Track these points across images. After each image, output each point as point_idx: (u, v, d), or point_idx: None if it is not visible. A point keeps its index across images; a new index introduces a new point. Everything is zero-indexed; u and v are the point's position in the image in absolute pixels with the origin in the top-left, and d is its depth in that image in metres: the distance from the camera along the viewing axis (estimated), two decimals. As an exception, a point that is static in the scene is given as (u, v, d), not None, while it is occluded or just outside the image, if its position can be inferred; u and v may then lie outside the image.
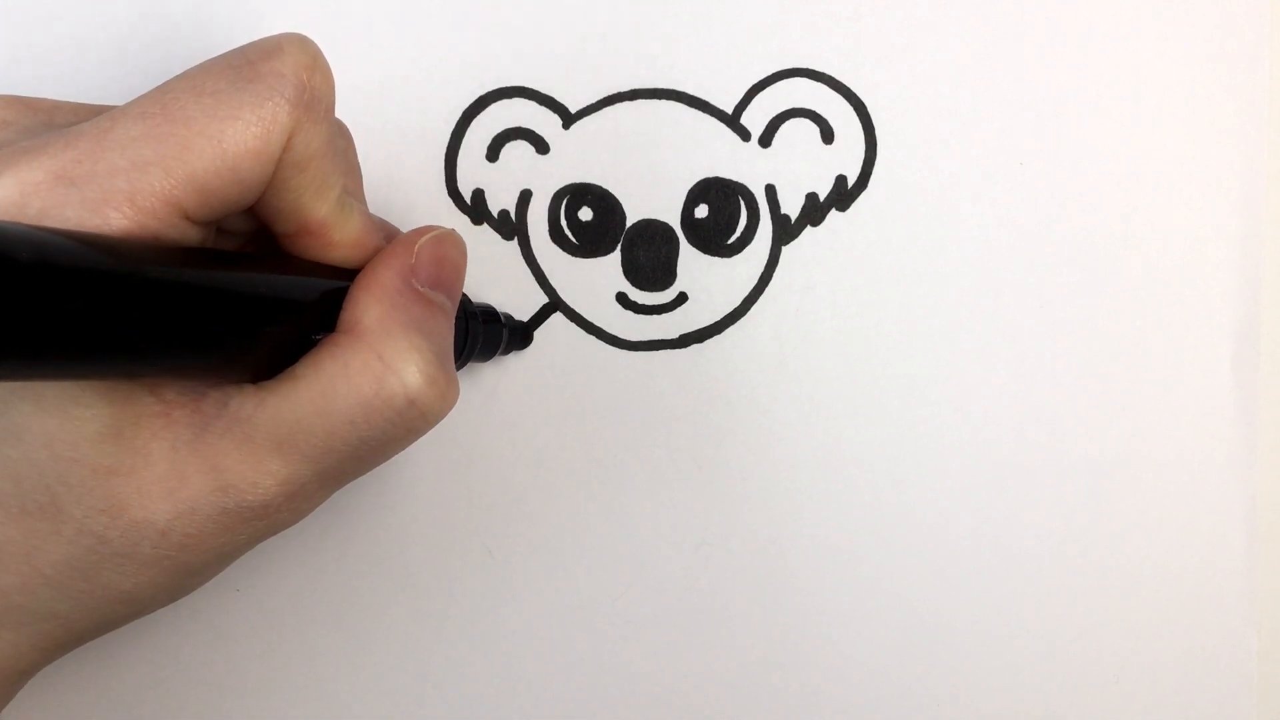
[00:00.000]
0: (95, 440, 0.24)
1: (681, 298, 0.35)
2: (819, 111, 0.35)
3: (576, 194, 0.35)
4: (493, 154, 0.35)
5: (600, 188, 0.35)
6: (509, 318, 0.34)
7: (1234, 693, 0.35)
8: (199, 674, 0.35)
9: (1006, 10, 0.35)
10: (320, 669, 0.35)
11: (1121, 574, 0.35)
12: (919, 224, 0.35)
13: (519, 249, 0.35)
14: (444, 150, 0.35)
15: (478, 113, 0.35)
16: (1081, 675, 0.35)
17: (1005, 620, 0.35)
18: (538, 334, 0.35)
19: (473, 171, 0.35)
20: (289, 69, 0.25)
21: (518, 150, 0.35)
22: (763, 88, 0.35)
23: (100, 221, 0.23)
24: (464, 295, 0.32)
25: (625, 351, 0.35)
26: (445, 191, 0.35)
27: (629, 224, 0.35)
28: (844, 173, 0.35)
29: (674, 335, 0.35)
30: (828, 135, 0.35)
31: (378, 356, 0.26)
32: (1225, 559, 0.35)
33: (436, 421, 0.27)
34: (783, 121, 0.35)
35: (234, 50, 0.26)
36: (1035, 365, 0.35)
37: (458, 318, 0.30)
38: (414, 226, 0.29)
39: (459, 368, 0.32)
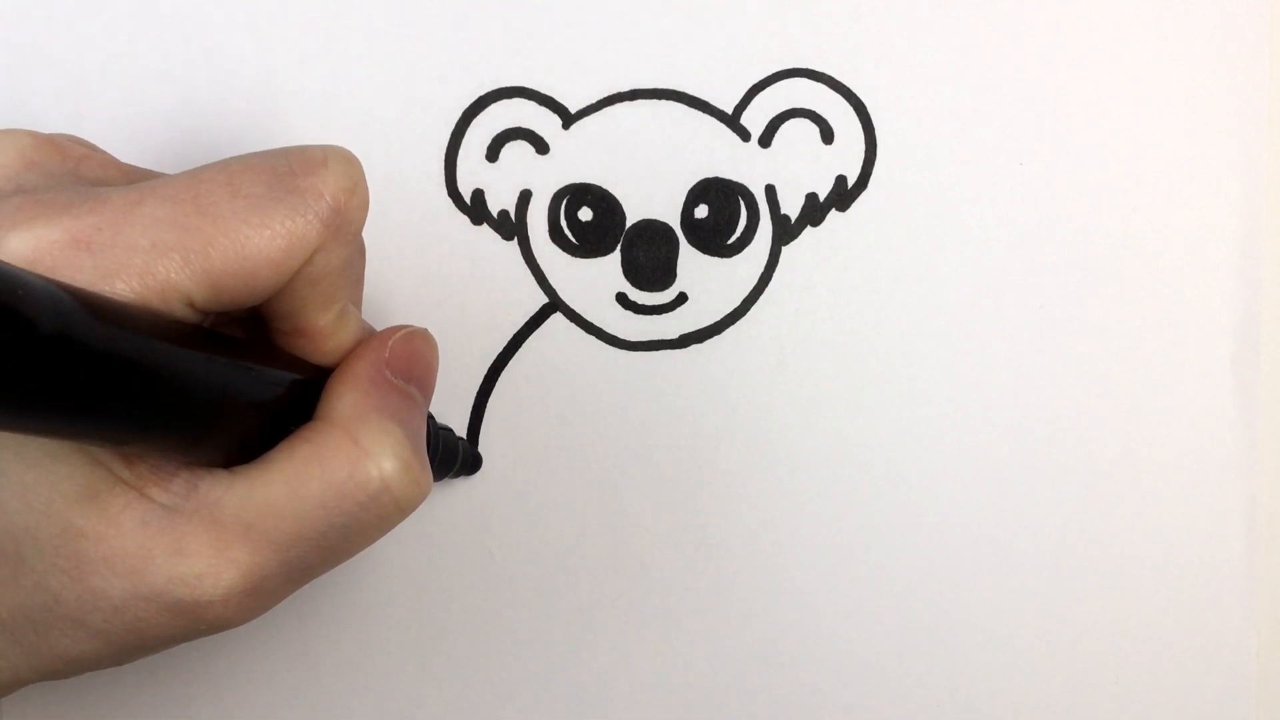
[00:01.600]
0: (70, 499, 0.24)
1: (681, 298, 0.35)
2: (819, 111, 0.35)
3: (576, 194, 0.35)
4: (493, 154, 0.35)
5: (600, 188, 0.35)
6: (462, 440, 0.34)
7: (1234, 693, 0.35)
8: (199, 674, 0.35)
9: (1006, 10, 0.35)
10: (320, 669, 0.35)
11: (1121, 574, 0.35)
12: (919, 224, 0.35)
13: (519, 249, 0.35)
14: (444, 150, 0.35)
15: (478, 113, 0.35)
16: (1081, 675, 0.35)
17: (1005, 620, 0.35)
18: (537, 334, 0.35)
19: (473, 171, 0.35)
20: (328, 189, 0.25)
21: (518, 150, 0.35)
22: (763, 88, 0.35)
23: (106, 289, 0.23)
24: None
25: (625, 351, 0.35)
26: (445, 191, 0.35)
27: (629, 224, 0.35)
28: (844, 173, 0.35)
29: (674, 335, 0.35)
30: (828, 135, 0.35)
31: (353, 441, 0.26)
32: (1225, 559, 0.35)
33: (409, 511, 0.26)
34: (783, 121, 0.35)
35: (278, 152, 0.26)
36: (1035, 365, 0.35)
37: (428, 428, 0.30)
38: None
39: (435, 478, 0.32)
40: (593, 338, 0.35)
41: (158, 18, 0.35)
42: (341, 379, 0.27)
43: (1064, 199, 0.35)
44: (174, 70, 0.35)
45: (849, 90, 0.35)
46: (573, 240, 0.35)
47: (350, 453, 0.25)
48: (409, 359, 0.28)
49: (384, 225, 0.35)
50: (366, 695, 0.35)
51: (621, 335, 0.35)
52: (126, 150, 0.35)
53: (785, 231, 0.35)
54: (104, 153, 0.28)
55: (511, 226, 0.35)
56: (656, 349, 0.35)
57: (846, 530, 0.35)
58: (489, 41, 0.35)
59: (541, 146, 0.35)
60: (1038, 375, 0.35)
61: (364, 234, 0.35)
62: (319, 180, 0.25)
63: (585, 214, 0.35)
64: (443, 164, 0.35)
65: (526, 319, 0.35)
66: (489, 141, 0.35)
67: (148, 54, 0.35)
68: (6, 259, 0.23)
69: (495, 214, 0.35)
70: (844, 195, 0.35)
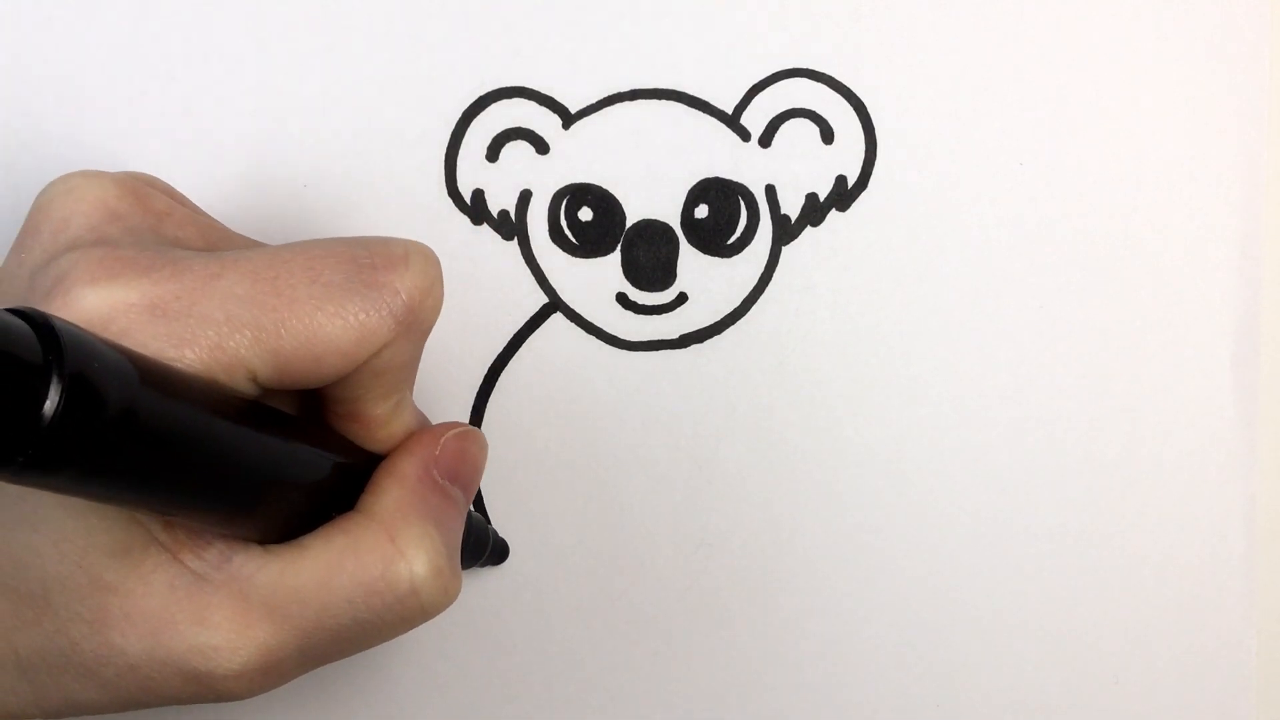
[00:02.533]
0: (104, 552, 0.24)
1: (681, 298, 0.35)
2: (819, 111, 0.35)
3: (576, 194, 0.35)
4: (493, 154, 0.35)
5: (600, 188, 0.35)
6: (491, 529, 0.35)
7: (1234, 693, 0.35)
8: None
9: (1006, 10, 0.35)
10: (320, 668, 0.35)
11: (1121, 574, 0.35)
12: (919, 224, 0.35)
13: (519, 249, 0.35)
14: (444, 150, 0.35)
15: (478, 113, 0.35)
16: (1081, 675, 0.35)
17: (1005, 620, 0.35)
18: (538, 334, 0.35)
19: (473, 171, 0.35)
20: (405, 288, 0.25)
21: (518, 150, 0.35)
22: (763, 88, 0.35)
23: (175, 356, 0.23)
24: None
25: (625, 351, 0.35)
26: (445, 191, 0.35)
27: (629, 224, 0.35)
28: (844, 173, 0.35)
29: (674, 335, 0.35)
30: (828, 135, 0.35)
31: (390, 540, 0.26)
32: (1225, 559, 0.35)
33: (433, 616, 0.27)
34: (783, 121, 0.35)
35: (360, 241, 0.26)
36: (1035, 365, 0.35)
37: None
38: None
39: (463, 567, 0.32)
40: (593, 338, 0.35)
41: (158, 18, 0.35)
42: (389, 473, 0.27)
43: (1064, 199, 0.35)
44: (174, 70, 0.35)
45: (849, 90, 0.35)
46: (573, 240, 0.35)
47: (386, 552, 0.26)
48: (458, 460, 0.29)
49: (383, 225, 0.35)
50: (365, 693, 0.35)
51: (621, 335, 0.35)
52: (127, 150, 0.35)
53: (785, 231, 0.35)
54: (184, 208, 0.28)
55: (511, 226, 0.35)
56: (656, 349, 0.35)
57: (846, 530, 0.35)
58: (489, 41, 0.35)
59: (542, 146, 0.35)
60: (1038, 375, 0.35)
61: (363, 234, 0.35)
62: (397, 277, 0.25)
63: (585, 214, 0.35)
64: (443, 164, 0.35)
65: (526, 319, 0.35)
66: (489, 141, 0.35)
67: (148, 54, 0.35)
68: (83, 313, 0.23)
69: (495, 214, 0.35)
70: (844, 195, 0.35)
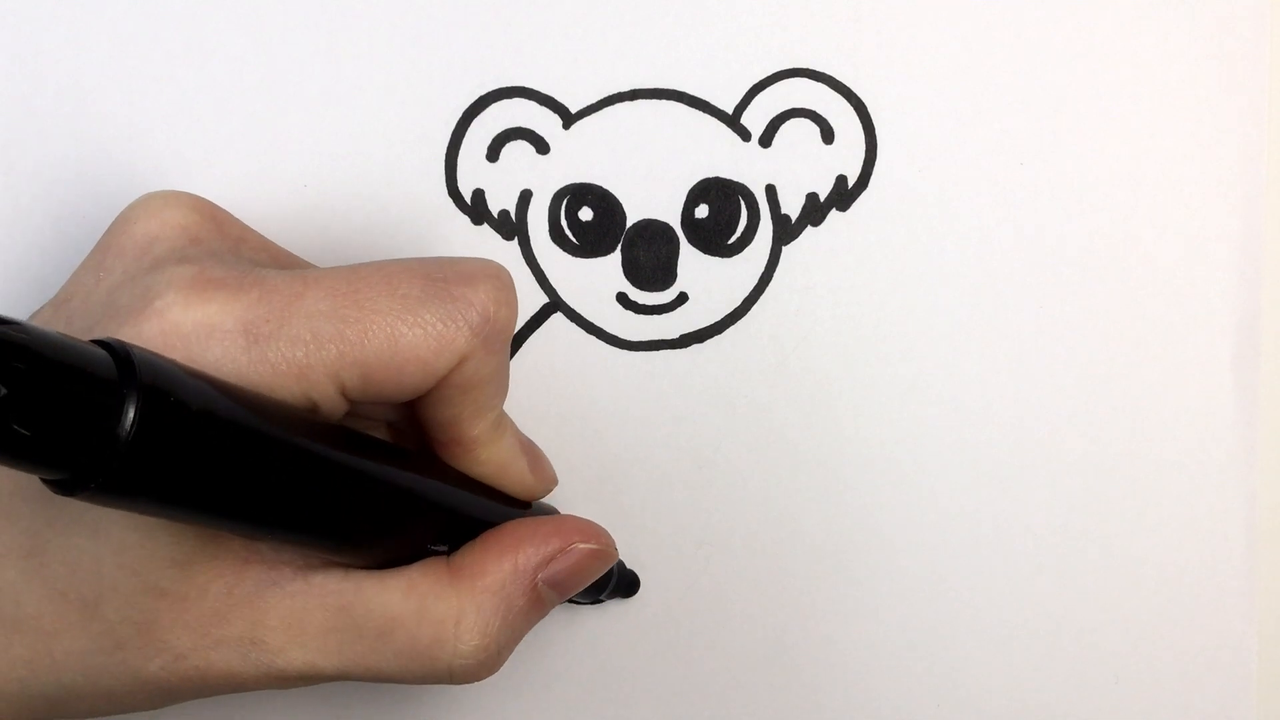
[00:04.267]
0: (163, 564, 0.25)
1: (681, 298, 0.35)
2: (819, 111, 0.35)
3: (577, 194, 0.35)
4: (493, 154, 0.35)
5: (600, 188, 0.35)
6: (620, 565, 0.34)
7: (1234, 693, 0.35)
8: None
9: (1006, 10, 0.35)
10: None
11: (1121, 574, 0.35)
12: (919, 224, 0.35)
13: (519, 249, 0.35)
14: (444, 150, 0.35)
15: (478, 113, 0.35)
16: (1081, 675, 0.35)
17: (1005, 620, 0.35)
18: (538, 334, 0.35)
19: (473, 171, 0.35)
20: (479, 300, 0.26)
21: (518, 150, 0.35)
22: (763, 88, 0.35)
23: (274, 386, 0.24)
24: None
25: (625, 351, 0.35)
26: (445, 191, 0.35)
27: (629, 224, 0.35)
28: (844, 173, 0.35)
29: (674, 335, 0.35)
30: (828, 135, 0.35)
31: (455, 621, 0.27)
32: (1225, 559, 0.35)
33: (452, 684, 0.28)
34: (783, 121, 0.35)
35: (434, 260, 0.27)
36: (1035, 365, 0.35)
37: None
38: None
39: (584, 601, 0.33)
40: (593, 338, 0.35)
41: (158, 18, 0.35)
42: (499, 550, 0.28)
43: (1064, 198, 0.35)
44: (174, 70, 0.35)
45: (849, 90, 0.35)
46: (573, 240, 0.35)
47: (447, 632, 0.27)
48: (574, 573, 0.29)
49: (384, 225, 0.35)
50: (365, 693, 0.35)
51: (622, 335, 0.35)
52: (128, 150, 0.35)
53: (785, 231, 0.35)
54: (256, 234, 0.30)
55: (512, 226, 0.35)
56: (656, 349, 0.35)
57: (846, 530, 0.35)
58: (489, 41, 0.35)
59: (542, 146, 0.35)
60: (1038, 375, 0.35)
61: (365, 235, 0.35)
62: (471, 291, 0.26)
63: (586, 214, 0.35)
64: (443, 164, 0.35)
65: (527, 319, 0.35)
66: (489, 141, 0.35)
67: (148, 54, 0.35)
68: (179, 333, 0.24)
69: (495, 214, 0.35)
70: (844, 195, 0.35)
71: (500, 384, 0.28)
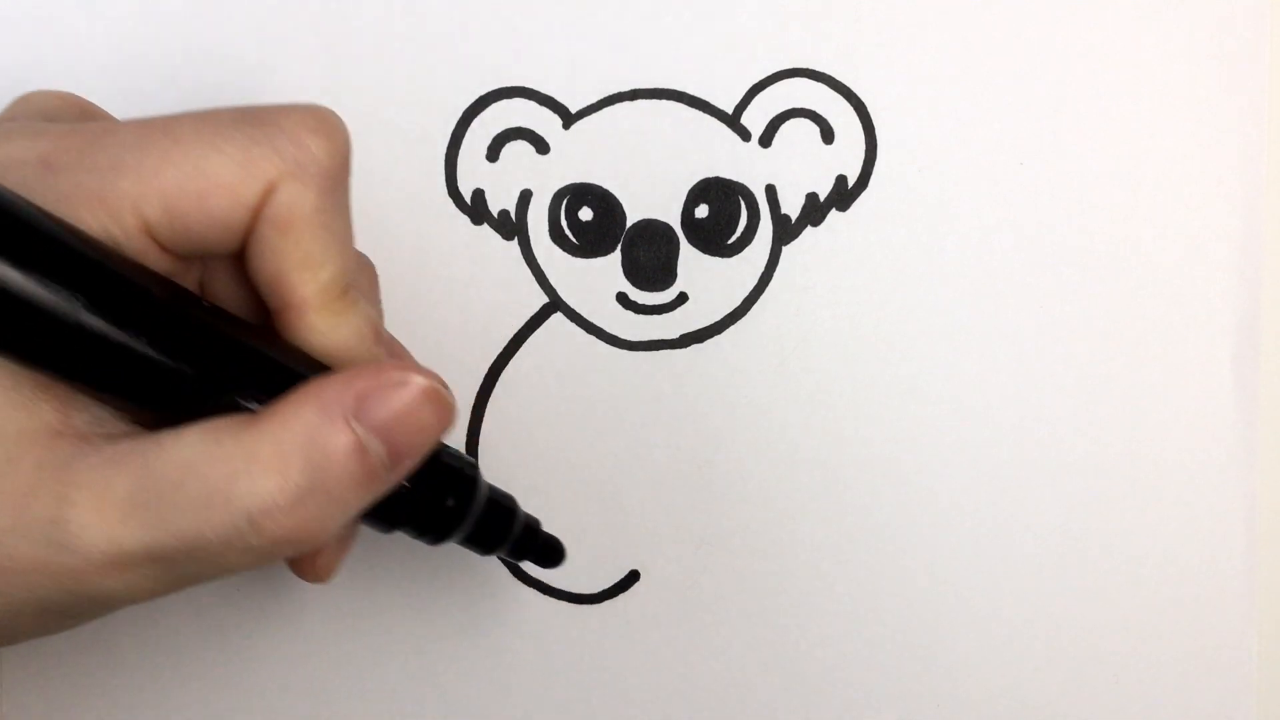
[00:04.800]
0: None
1: (681, 298, 0.35)
2: (819, 111, 0.35)
3: (577, 194, 0.35)
4: (493, 154, 0.35)
5: (600, 188, 0.35)
6: (536, 525, 0.30)
7: (1234, 693, 0.35)
8: (199, 673, 0.35)
9: (1006, 10, 0.35)
10: (321, 668, 0.35)
11: (1121, 574, 0.35)
12: (919, 224, 0.35)
13: (519, 249, 0.35)
14: (444, 150, 0.35)
15: (478, 113, 0.35)
16: (1081, 675, 0.35)
17: (1005, 619, 0.35)
18: (536, 336, 0.35)
19: (473, 171, 0.35)
20: (290, 125, 0.25)
21: (518, 150, 0.35)
22: (763, 88, 0.35)
23: (70, 216, 0.23)
24: (475, 469, 0.28)
25: (625, 351, 0.35)
26: (445, 191, 0.35)
27: (629, 224, 0.35)
28: (844, 173, 0.35)
29: (674, 335, 0.35)
30: (828, 135, 0.35)
31: (248, 457, 0.23)
32: (1225, 559, 0.35)
33: (280, 557, 0.24)
34: (783, 121, 0.35)
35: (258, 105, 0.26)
36: (1035, 365, 0.35)
37: (437, 476, 0.27)
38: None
39: (434, 542, 0.28)
40: (593, 338, 0.35)
41: (158, 18, 0.35)
42: (307, 394, 0.24)
43: (1064, 198, 0.35)
44: (174, 70, 0.35)
45: (849, 90, 0.35)
46: (573, 240, 0.35)
47: (238, 465, 0.23)
48: (397, 420, 0.24)
49: (384, 225, 0.35)
50: (365, 693, 0.35)
51: (622, 335, 0.35)
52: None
53: (785, 231, 0.35)
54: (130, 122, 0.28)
55: (512, 226, 0.35)
56: (656, 349, 0.35)
57: (846, 530, 0.35)
58: (489, 41, 0.35)
59: (542, 146, 0.35)
60: (1038, 375, 0.35)
61: (364, 235, 0.35)
62: (282, 118, 0.25)
63: (586, 214, 0.35)
64: (443, 164, 0.35)
65: (526, 319, 0.35)
66: (489, 141, 0.35)
67: (148, 54, 0.35)
68: None
69: (495, 214, 0.35)
70: (844, 195, 0.35)
71: (330, 233, 0.25)
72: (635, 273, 0.35)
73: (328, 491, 0.24)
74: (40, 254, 0.22)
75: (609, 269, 0.35)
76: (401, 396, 0.24)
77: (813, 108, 0.35)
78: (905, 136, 0.35)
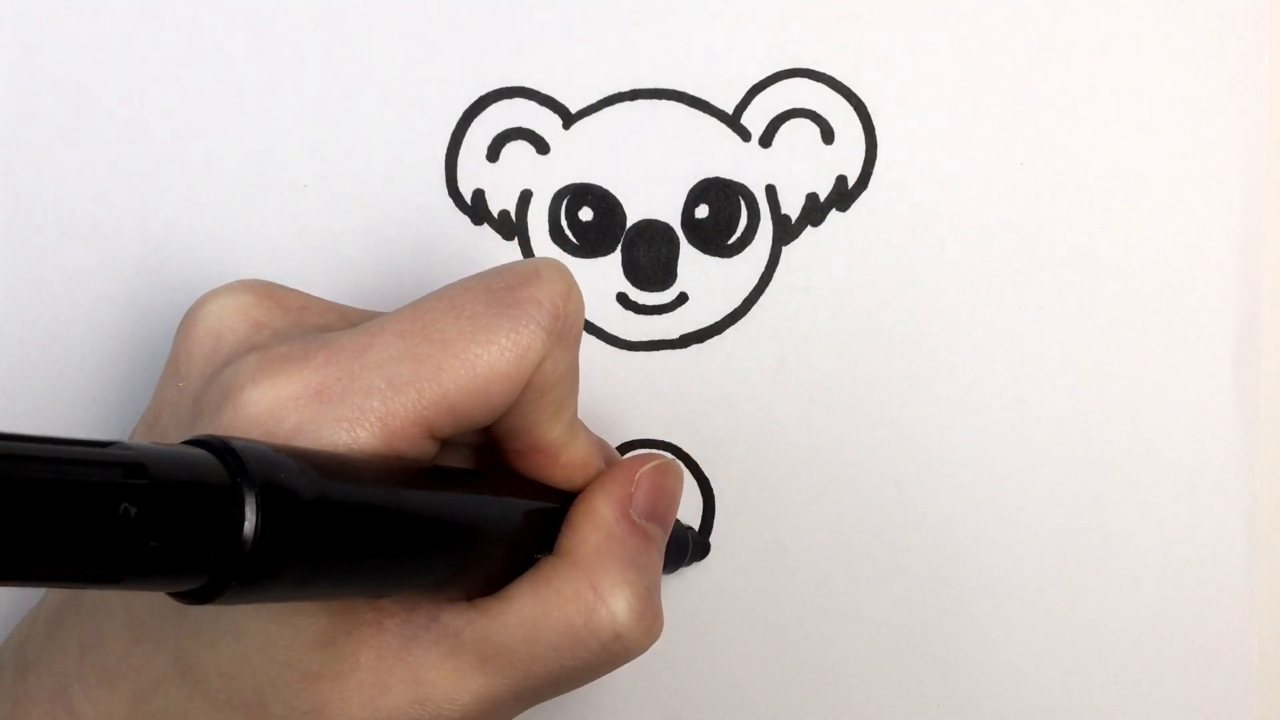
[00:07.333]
0: (309, 647, 0.25)
1: (682, 298, 0.35)
2: (819, 111, 0.35)
3: (577, 194, 0.35)
4: (493, 154, 0.35)
5: (600, 188, 0.35)
6: (690, 530, 0.35)
7: (1234, 693, 0.35)
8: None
9: (1007, 10, 0.35)
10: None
11: (1121, 574, 0.35)
12: (919, 224, 0.35)
13: (519, 249, 0.35)
14: (444, 150, 0.35)
15: (478, 113, 0.35)
16: (1081, 675, 0.35)
17: (1005, 620, 0.35)
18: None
19: (473, 171, 0.35)
20: (546, 296, 0.26)
21: (518, 150, 0.35)
22: (763, 88, 0.35)
23: (350, 439, 0.24)
24: None
25: (625, 351, 0.35)
26: (445, 191, 0.35)
27: (629, 224, 0.35)
28: (844, 173, 0.35)
29: (674, 335, 0.35)
30: (828, 135, 0.35)
31: (591, 588, 0.26)
32: (1225, 559, 0.35)
33: (638, 655, 0.27)
34: (783, 122, 0.35)
35: (491, 271, 0.26)
36: (1035, 365, 0.35)
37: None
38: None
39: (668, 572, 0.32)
40: (593, 338, 0.35)
41: (158, 18, 0.35)
42: (586, 514, 0.28)
43: (1064, 198, 0.35)
44: (174, 70, 0.35)
45: (849, 90, 0.35)
46: (573, 240, 0.35)
47: (587, 601, 0.26)
48: (655, 496, 0.29)
49: (384, 225, 0.35)
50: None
51: (622, 335, 0.35)
52: (127, 151, 0.35)
53: (785, 231, 0.35)
54: (318, 299, 0.29)
55: (512, 226, 0.35)
56: (656, 349, 0.35)
57: (846, 530, 0.35)
58: (489, 41, 0.35)
59: (542, 146, 0.35)
60: (1038, 375, 0.35)
61: (365, 235, 0.35)
62: (535, 290, 0.26)
63: (586, 214, 0.35)
64: (443, 164, 0.35)
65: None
66: (489, 141, 0.35)
67: (148, 54, 0.35)
68: (254, 416, 0.24)
69: (496, 214, 0.35)
70: (844, 195, 0.35)
71: (574, 380, 0.27)
72: (635, 273, 0.35)
73: (649, 582, 0.28)
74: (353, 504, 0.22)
75: (609, 269, 0.35)
76: (651, 479, 0.29)
77: (813, 108, 0.35)
78: (905, 136, 0.35)
